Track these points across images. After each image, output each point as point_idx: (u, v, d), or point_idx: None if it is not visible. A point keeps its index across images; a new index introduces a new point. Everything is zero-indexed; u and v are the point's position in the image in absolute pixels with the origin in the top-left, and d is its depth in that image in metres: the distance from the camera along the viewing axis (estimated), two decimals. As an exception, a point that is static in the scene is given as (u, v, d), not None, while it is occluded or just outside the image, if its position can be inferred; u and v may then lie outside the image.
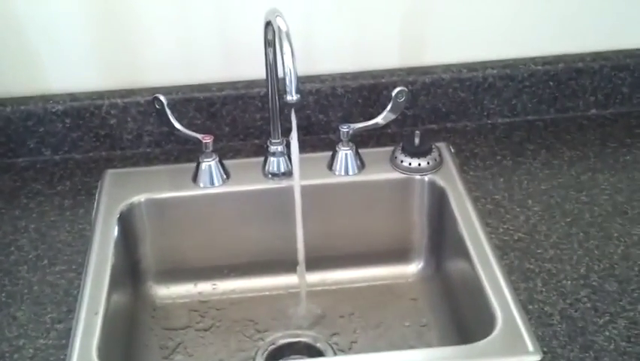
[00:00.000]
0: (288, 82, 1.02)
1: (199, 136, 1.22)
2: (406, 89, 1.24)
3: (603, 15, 1.31)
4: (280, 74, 1.16)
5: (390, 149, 1.28)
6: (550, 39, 1.33)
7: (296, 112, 1.30)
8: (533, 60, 1.33)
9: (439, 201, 1.22)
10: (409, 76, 1.31)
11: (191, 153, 1.30)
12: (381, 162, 1.26)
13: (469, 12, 1.29)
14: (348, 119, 1.32)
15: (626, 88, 1.35)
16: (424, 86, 1.31)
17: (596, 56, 1.33)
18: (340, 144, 1.25)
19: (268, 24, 1.11)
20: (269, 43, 1.14)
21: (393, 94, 1.24)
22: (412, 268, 1.29)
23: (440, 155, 1.25)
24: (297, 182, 1.12)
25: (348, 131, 1.23)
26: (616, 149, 1.28)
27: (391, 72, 1.31)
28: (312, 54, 1.29)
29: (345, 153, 1.24)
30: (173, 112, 1.26)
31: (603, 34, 1.33)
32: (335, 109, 1.32)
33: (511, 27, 1.31)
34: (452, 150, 1.28)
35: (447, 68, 1.32)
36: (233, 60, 1.30)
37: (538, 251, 1.07)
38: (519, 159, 1.26)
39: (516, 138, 1.32)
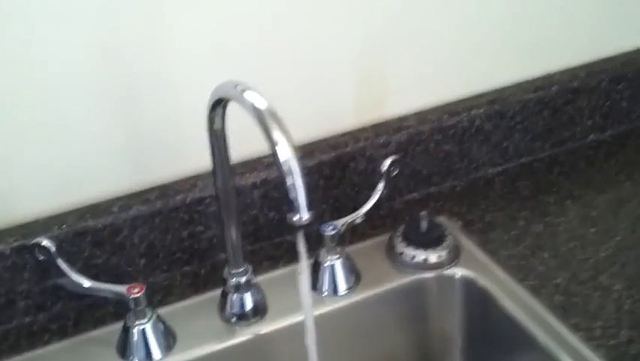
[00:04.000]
0: (293, 193, 0.64)
1: (122, 289, 0.79)
2: (397, 157, 0.89)
3: (591, 18, 1.05)
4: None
5: (380, 240, 0.92)
6: (536, 56, 1.03)
7: (238, 214, 0.92)
8: (522, 87, 1.03)
9: (479, 305, 0.87)
10: (378, 137, 0.96)
11: (95, 309, 0.86)
12: (377, 262, 0.90)
13: (435, 42, 0.96)
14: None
15: (625, 102, 1.09)
16: (399, 147, 0.96)
17: (590, 68, 1.05)
18: (324, 252, 0.87)
19: (218, 104, 0.71)
20: (216, 135, 0.74)
21: (384, 168, 0.89)
22: (444, 396, 0.94)
23: (455, 238, 0.91)
24: (311, 340, 0.73)
25: (335, 234, 0.86)
26: (650, 181, 1.01)
27: (355, 136, 0.95)
28: (245, 130, 0.89)
29: (332, 265, 0.87)
30: (60, 256, 0.82)
31: (595, 40, 1.06)
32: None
33: (491, 50, 1.00)
34: (459, 225, 0.95)
35: (422, 117, 0.98)
36: (135, 161, 0.87)
37: (666, 354, 0.77)
38: (548, 220, 0.95)
39: (524, 191, 1.01)
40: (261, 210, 0.93)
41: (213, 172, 0.77)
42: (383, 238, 0.93)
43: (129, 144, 0.86)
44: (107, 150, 0.85)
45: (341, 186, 0.96)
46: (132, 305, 0.79)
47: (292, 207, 0.65)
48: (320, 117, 0.94)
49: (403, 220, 0.93)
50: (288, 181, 0.64)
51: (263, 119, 0.65)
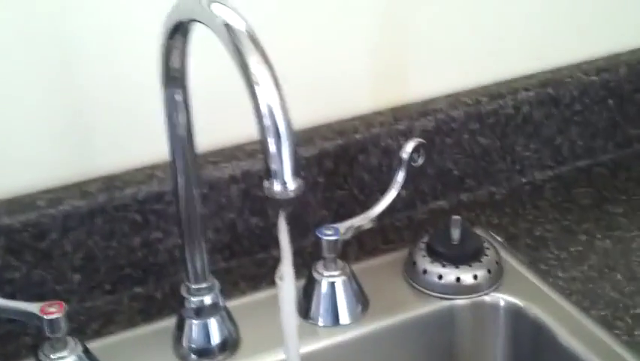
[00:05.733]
0: (275, 152, 0.42)
1: (33, 309, 0.56)
2: (422, 140, 0.67)
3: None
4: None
5: (395, 256, 0.70)
6: (600, 31, 0.82)
7: (205, 221, 0.70)
8: (581, 68, 0.81)
9: (529, 343, 0.64)
10: (398, 123, 0.74)
11: (6, 340, 0.63)
12: (391, 283, 0.67)
13: (473, 6, 0.75)
14: (302, 217, 0.72)
15: None
16: (423, 136, 0.74)
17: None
18: (321, 266, 0.64)
19: (176, 31, 0.49)
20: (173, 80, 0.52)
21: (406, 155, 0.66)
22: None
23: (497, 253, 0.68)
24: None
25: (336, 241, 0.63)
26: None
27: (367, 120, 0.73)
28: (229, 111, 0.67)
29: (331, 285, 0.64)
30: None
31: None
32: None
33: (545, 19, 0.79)
34: (500, 240, 0.72)
35: (455, 100, 0.76)
36: (72, 145, 0.65)
37: None
38: (617, 234, 0.73)
39: (584, 200, 0.78)
40: (240, 214, 0.70)
41: (170, 143, 0.55)
42: (399, 253, 0.70)
43: (64, 121, 0.64)
44: (34, 130, 0.63)
45: (347, 186, 0.73)
46: (48, 331, 0.56)
47: (274, 173, 0.43)
48: (324, 94, 0.73)
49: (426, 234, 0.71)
50: (269, 136, 0.42)
51: (238, 45, 0.43)
